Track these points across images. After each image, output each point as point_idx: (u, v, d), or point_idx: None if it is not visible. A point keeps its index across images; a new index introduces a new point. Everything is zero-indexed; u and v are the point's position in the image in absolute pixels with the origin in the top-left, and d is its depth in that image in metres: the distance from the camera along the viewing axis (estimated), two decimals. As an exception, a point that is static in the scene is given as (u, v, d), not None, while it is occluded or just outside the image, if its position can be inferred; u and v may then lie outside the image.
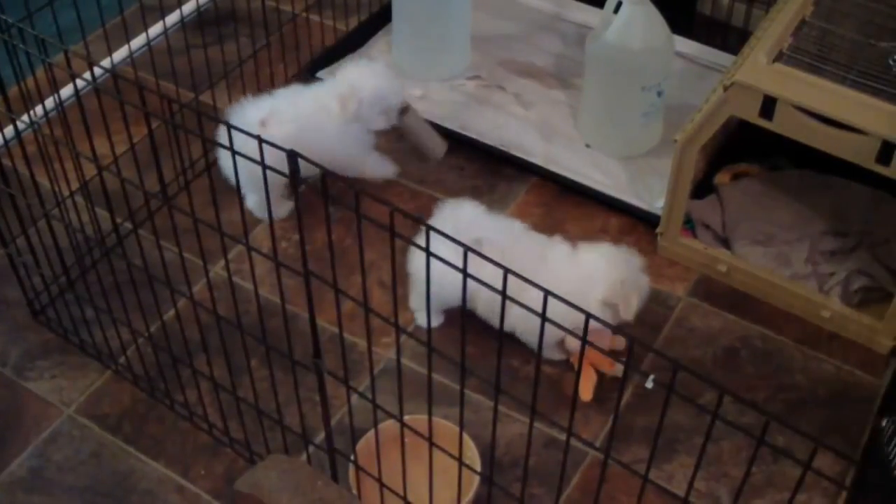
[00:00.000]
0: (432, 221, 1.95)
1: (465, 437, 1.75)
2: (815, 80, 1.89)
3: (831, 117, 1.83)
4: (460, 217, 1.96)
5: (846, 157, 1.86)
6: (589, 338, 1.15)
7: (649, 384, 1.10)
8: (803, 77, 1.90)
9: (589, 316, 1.10)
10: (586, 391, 1.95)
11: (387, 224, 1.17)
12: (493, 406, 1.34)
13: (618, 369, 1.97)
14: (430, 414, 1.43)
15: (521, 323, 1.87)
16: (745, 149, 2.32)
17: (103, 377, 2.02)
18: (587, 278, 1.88)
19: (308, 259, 1.36)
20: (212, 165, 1.48)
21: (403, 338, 1.91)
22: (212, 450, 1.90)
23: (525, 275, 1.83)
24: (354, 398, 1.58)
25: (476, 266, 1.91)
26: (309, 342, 1.47)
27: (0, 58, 1.65)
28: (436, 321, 2.04)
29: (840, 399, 1.98)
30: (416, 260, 1.94)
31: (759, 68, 1.92)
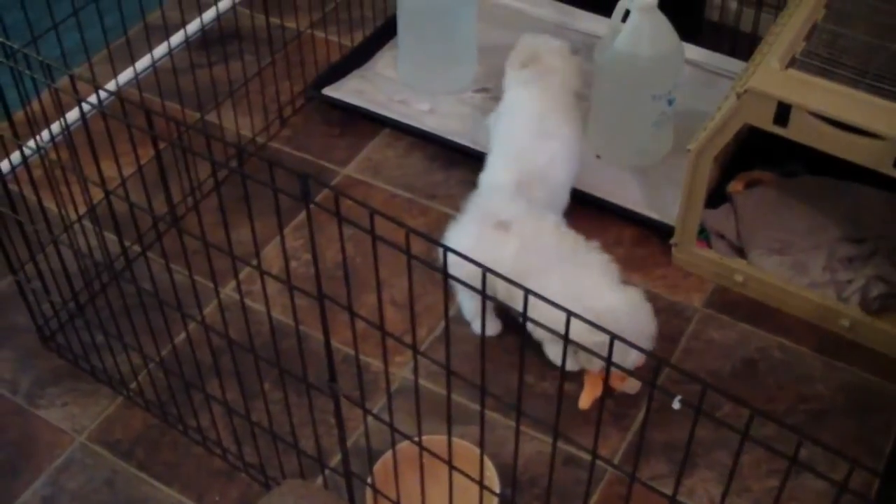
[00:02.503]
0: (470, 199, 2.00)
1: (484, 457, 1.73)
2: (829, 84, 1.87)
3: (848, 123, 1.81)
4: (493, 198, 1.99)
5: (863, 162, 1.83)
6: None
7: (676, 405, 1.07)
8: (818, 82, 1.88)
9: (614, 337, 1.08)
10: (585, 401, 1.94)
11: (399, 242, 1.15)
12: (515, 427, 1.32)
13: (629, 386, 1.95)
14: (449, 436, 1.41)
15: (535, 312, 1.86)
16: (757, 155, 2.30)
17: (115, 403, 2.00)
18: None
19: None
20: (221, 184, 1.47)
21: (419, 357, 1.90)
22: (226, 475, 1.88)
23: (546, 269, 1.84)
24: (370, 419, 1.56)
25: (500, 246, 1.88)
26: (321, 363, 1.45)
27: (5, 82, 1.64)
28: (492, 329, 2.05)
29: (862, 408, 1.96)
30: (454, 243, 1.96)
31: (773, 74, 1.89)
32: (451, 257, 1.66)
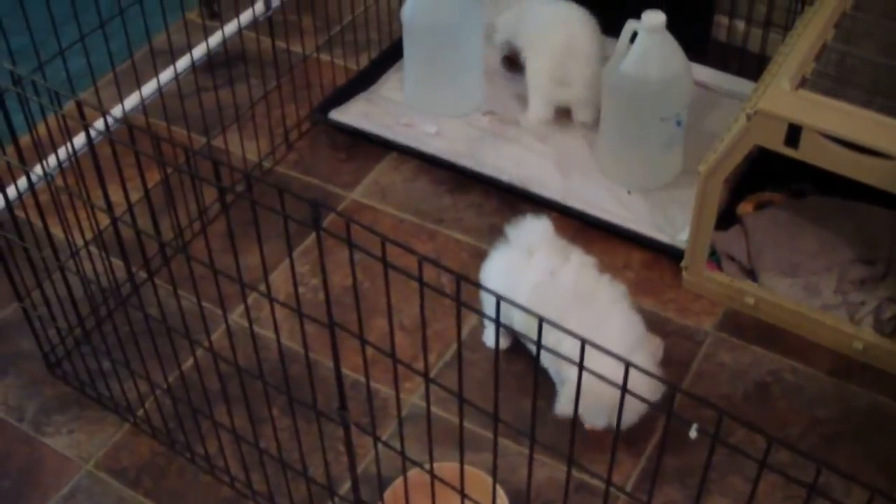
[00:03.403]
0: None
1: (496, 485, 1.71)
2: (840, 105, 1.86)
3: (860, 143, 1.79)
4: (533, 231, 1.98)
5: (876, 183, 1.82)
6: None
7: (693, 434, 1.05)
8: (828, 103, 1.86)
9: (629, 364, 1.06)
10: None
11: (408, 267, 1.14)
12: (529, 455, 1.30)
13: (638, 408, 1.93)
14: (461, 463, 1.40)
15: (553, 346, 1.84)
16: (767, 176, 2.28)
17: (121, 430, 1.98)
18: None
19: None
20: (229, 207, 1.46)
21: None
22: (234, 503, 1.86)
23: (563, 305, 1.82)
24: (379, 446, 1.54)
25: (518, 278, 1.85)
26: (330, 389, 1.44)
27: (11, 107, 1.63)
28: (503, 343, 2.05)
29: (876, 432, 1.94)
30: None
31: (783, 95, 1.88)
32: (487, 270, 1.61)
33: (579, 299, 1.85)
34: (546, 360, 1.87)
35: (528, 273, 1.89)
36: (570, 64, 2.48)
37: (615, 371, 1.10)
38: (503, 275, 1.95)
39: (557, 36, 2.48)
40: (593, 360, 1.11)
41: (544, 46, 2.50)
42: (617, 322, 1.85)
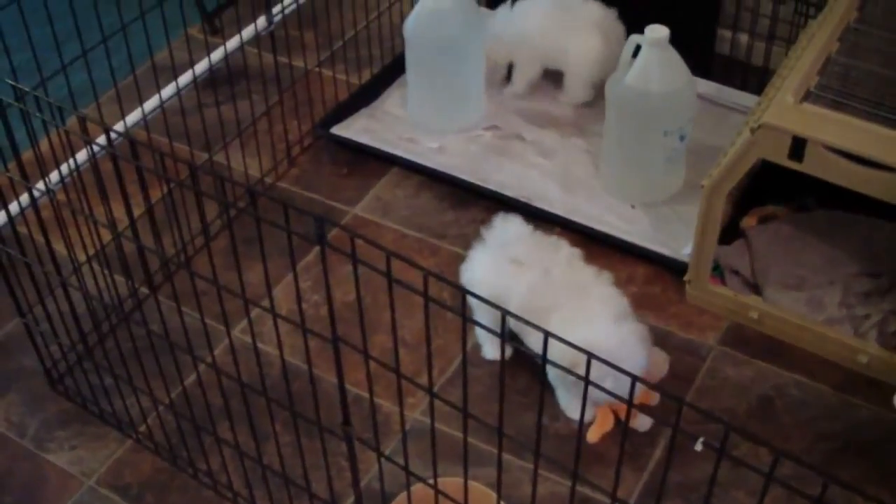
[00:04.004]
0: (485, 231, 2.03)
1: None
2: (844, 118, 1.85)
3: (864, 156, 1.79)
4: (507, 232, 2.00)
5: (880, 196, 1.81)
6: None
7: (698, 447, 1.04)
8: (832, 116, 1.86)
9: (635, 379, 1.06)
10: (595, 435, 1.92)
11: (410, 283, 1.13)
12: (534, 470, 1.29)
13: (639, 423, 1.93)
14: (465, 478, 1.39)
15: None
16: (770, 190, 2.28)
17: (124, 447, 1.97)
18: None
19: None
20: (232, 222, 1.46)
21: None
22: (237, 519, 1.86)
23: (559, 301, 1.83)
24: (383, 461, 1.54)
25: (511, 280, 1.89)
26: (333, 404, 1.43)
27: (14, 122, 1.63)
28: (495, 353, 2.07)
29: (881, 446, 1.93)
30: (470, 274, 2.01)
31: (787, 109, 1.88)
32: (469, 280, 1.62)
33: (571, 291, 1.90)
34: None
35: (522, 276, 1.91)
36: (565, 30, 2.58)
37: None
38: (491, 277, 1.96)
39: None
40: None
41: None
42: (600, 298, 1.91)
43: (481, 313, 1.95)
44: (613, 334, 1.82)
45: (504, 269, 1.94)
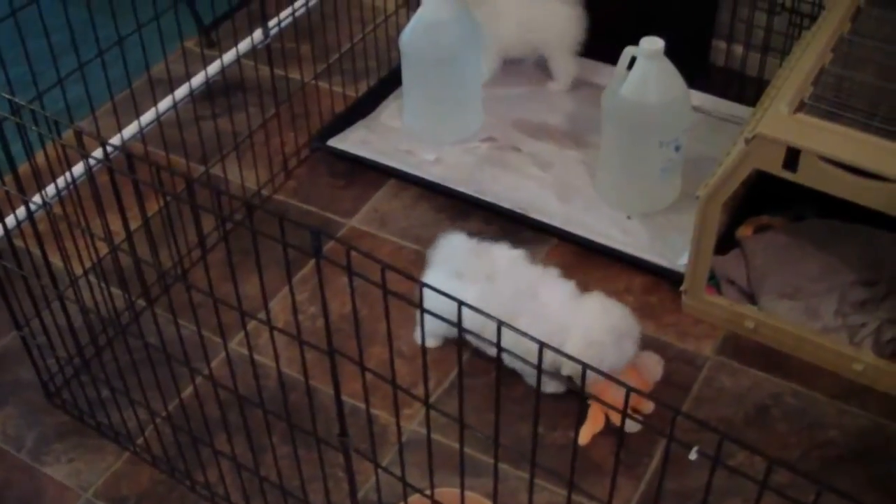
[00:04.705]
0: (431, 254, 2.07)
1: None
2: (838, 128, 1.86)
3: (858, 166, 1.79)
4: (450, 249, 2.04)
5: (874, 205, 1.82)
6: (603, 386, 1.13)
7: (693, 456, 1.05)
8: (826, 126, 1.87)
9: (629, 390, 1.06)
10: (585, 436, 1.92)
11: (408, 295, 1.13)
12: (530, 480, 1.29)
13: (627, 426, 1.93)
14: (462, 488, 1.39)
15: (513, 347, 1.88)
16: (766, 200, 2.29)
17: (121, 459, 1.97)
18: (580, 323, 1.91)
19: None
20: (227, 235, 1.46)
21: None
22: (235, 531, 1.86)
23: (511, 306, 1.86)
24: (380, 472, 1.54)
25: (459, 295, 1.92)
26: (330, 416, 1.44)
27: (10, 136, 1.63)
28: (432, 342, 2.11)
29: (878, 454, 1.93)
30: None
31: (781, 119, 1.88)
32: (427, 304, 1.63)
33: (522, 297, 1.94)
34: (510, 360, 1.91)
35: (467, 290, 1.93)
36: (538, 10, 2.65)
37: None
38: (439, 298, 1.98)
39: None
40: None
41: None
42: (553, 290, 1.97)
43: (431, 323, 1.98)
44: (594, 311, 1.91)
45: (450, 285, 1.94)
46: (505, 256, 2.01)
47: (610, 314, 1.91)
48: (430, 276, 2.04)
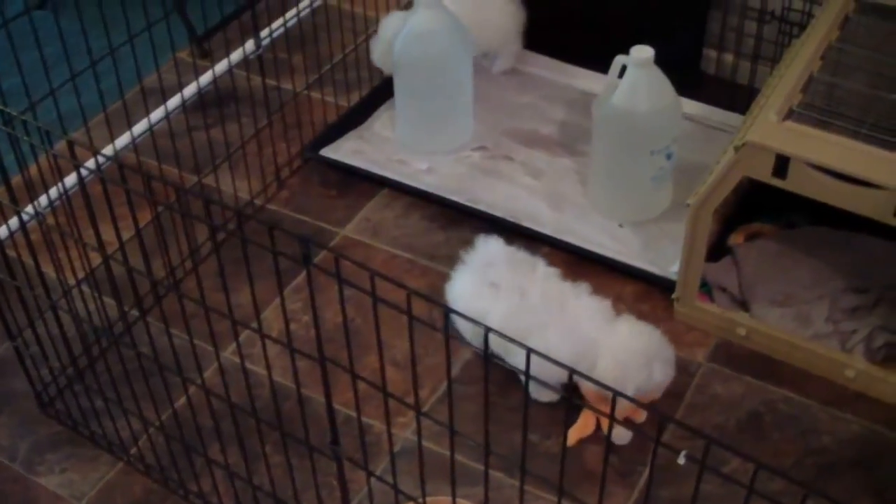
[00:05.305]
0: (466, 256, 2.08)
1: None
2: (827, 136, 1.87)
3: (847, 173, 1.80)
4: (487, 253, 2.06)
5: (864, 212, 1.83)
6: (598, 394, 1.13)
7: (681, 460, 1.05)
8: (815, 134, 1.87)
9: (617, 394, 1.07)
10: (572, 438, 1.94)
11: (400, 303, 1.14)
12: (520, 488, 1.30)
13: (619, 436, 1.94)
14: (454, 496, 1.39)
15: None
16: (757, 207, 2.29)
17: (115, 469, 1.97)
18: (607, 342, 1.91)
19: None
20: (220, 247, 1.46)
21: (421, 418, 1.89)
22: (228, 540, 1.86)
23: (539, 320, 1.86)
24: (372, 481, 1.54)
25: (488, 304, 1.91)
26: (322, 425, 1.44)
27: (2, 147, 1.64)
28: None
29: (871, 460, 1.94)
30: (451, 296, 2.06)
31: (770, 127, 1.89)
32: (450, 301, 1.64)
33: (551, 311, 1.94)
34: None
35: (498, 301, 1.95)
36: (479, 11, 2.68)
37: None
38: (471, 300, 1.99)
39: None
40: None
41: None
42: (586, 311, 1.97)
43: (471, 336, 1.96)
44: (621, 333, 1.92)
45: (483, 292, 1.99)
46: (540, 272, 2.03)
47: (637, 338, 1.91)
48: (462, 278, 2.06)
